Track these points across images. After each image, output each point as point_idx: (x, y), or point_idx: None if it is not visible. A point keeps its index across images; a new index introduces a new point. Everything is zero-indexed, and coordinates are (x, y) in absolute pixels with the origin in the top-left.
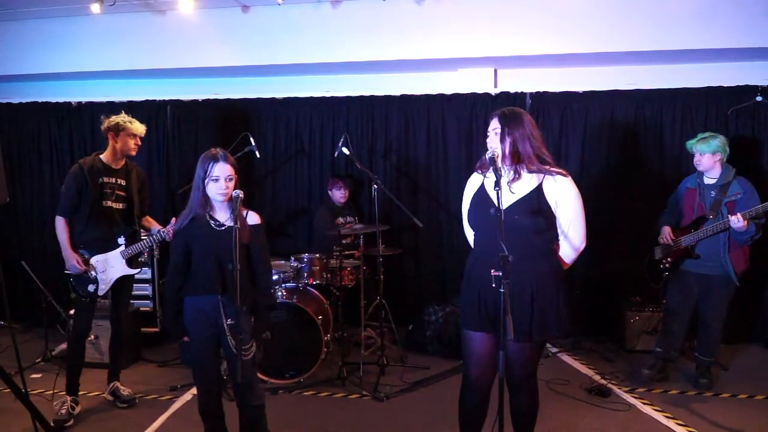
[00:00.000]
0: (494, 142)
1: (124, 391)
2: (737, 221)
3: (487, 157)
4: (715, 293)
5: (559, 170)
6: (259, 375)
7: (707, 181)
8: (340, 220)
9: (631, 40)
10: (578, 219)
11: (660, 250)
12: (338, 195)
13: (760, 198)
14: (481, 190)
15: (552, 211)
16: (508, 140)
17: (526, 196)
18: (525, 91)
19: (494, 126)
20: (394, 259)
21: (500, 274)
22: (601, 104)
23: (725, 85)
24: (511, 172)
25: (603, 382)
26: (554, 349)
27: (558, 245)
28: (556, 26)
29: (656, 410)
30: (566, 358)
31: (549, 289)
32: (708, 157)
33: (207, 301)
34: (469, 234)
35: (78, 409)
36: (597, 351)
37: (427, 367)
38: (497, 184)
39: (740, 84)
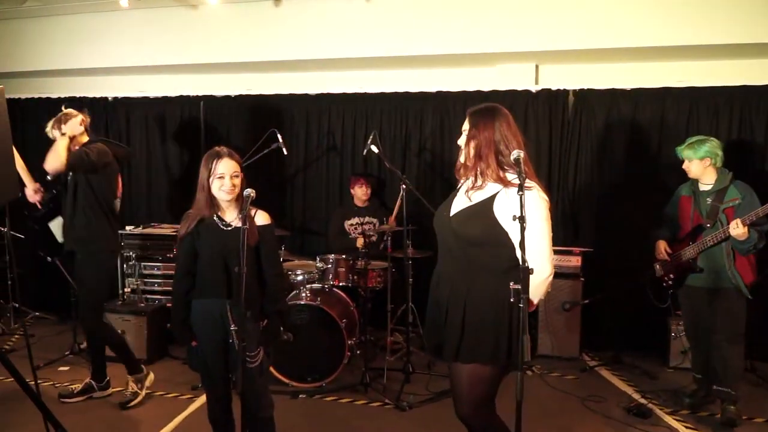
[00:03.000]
0: (462, 143)
1: (127, 390)
2: (736, 228)
3: (512, 158)
4: (724, 309)
5: (521, 182)
6: (281, 377)
7: (702, 187)
8: (357, 219)
9: (683, 34)
10: (533, 240)
11: (659, 266)
12: (360, 193)
13: (760, 202)
14: (451, 193)
15: (500, 227)
16: (472, 143)
17: (474, 204)
18: (567, 88)
19: (465, 125)
20: (423, 261)
21: (519, 287)
22: (650, 102)
23: None
24: (472, 178)
25: (643, 401)
26: (592, 363)
27: None
28: (601, 19)
29: None
30: (604, 373)
31: (485, 310)
32: (696, 164)
33: (215, 304)
34: None
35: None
36: (638, 366)
37: None
38: (521, 188)
39: None
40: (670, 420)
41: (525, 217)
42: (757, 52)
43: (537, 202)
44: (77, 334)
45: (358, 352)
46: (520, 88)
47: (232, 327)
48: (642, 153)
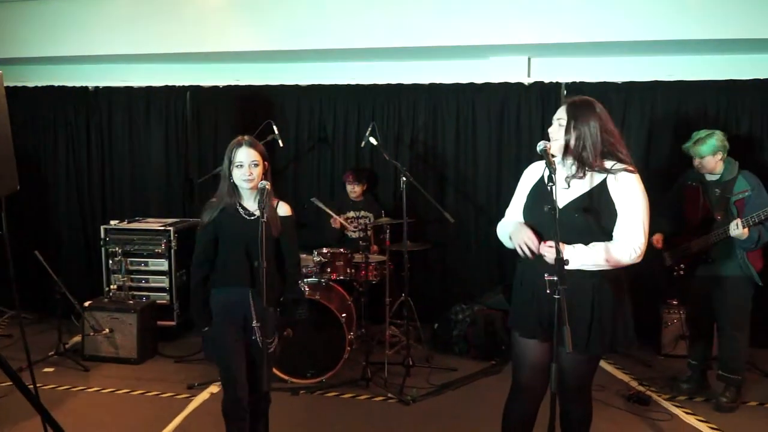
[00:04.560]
0: (557, 133)
1: None
2: (735, 228)
3: (538, 149)
4: (732, 296)
5: (626, 166)
6: (280, 374)
7: (709, 177)
8: (353, 213)
9: (674, 29)
10: (637, 221)
11: (669, 256)
12: (348, 189)
13: None
14: (541, 183)
15: (616, 212)
16: (573, 134)
17: (587, 193)
18: (560, 81)
19: (560, 116)
20: (419, 254)
21: (555, 278)
22: (641, 96)
23: None
24: (574, 167)
25: (641, 389)
26: None
27: None
28: (593, 13)
29: (700, 420)
30: (600, 362)
31: (611, 298)
32: (709, 159)
33: (236, 293)
34: (504, 229)
35: None
36: (632, 355)
37: (455, 369)
38: (550, 179)
39: None
40: (668, 406)
41: (557, 207)
42: (744, 48)
43: (638, 186)
44: (62, 333)
45: (355, 346)
46: (512, 80)
47: (255, 323)
48: (632, 145)
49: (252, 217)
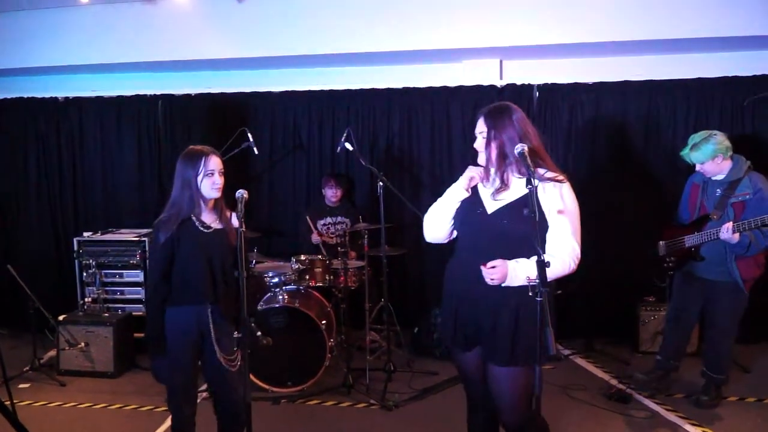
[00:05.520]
0: (480, 146)
1: None
2: (726, 232)
3: (516, 152)
4: (721, 302)
5: (555, 175)
6: (260, 383)
7: (715, 176)
8: (330, 219)
9: (643, 29)
10: (567, 232)
11: (663, 246)
12: (330, 194)
13: None
14: (474, 190)
15: (545, 221)
16: (493, 144)
17: (515, 201)
18: (532, 83)
19: (480, 129)
20: (398, 259)
21: (538, 281)
22: (612, 96)
23: (742, 75)
24: (497, 180)
25: (622, 387)
26: (566, 352)
27: None
28: (564, 15)
29: (681, 417)
30: (580, 361)
31: (535, 309)
32: (709, 165)
33: (192, 311)
34: (431, 227)
35: None
36: (611, 353)
37: (436, 373)
38: (529, 182)
39: (757, 74)
40: (649, 403)
41: (537, 211)
42: (711, 46)
43: (569, 196)
44: (37, 348)
45: (335, 353)
46: (485, 83)
47: (236, 334)
48: (606, 144)
49: (209, 230)
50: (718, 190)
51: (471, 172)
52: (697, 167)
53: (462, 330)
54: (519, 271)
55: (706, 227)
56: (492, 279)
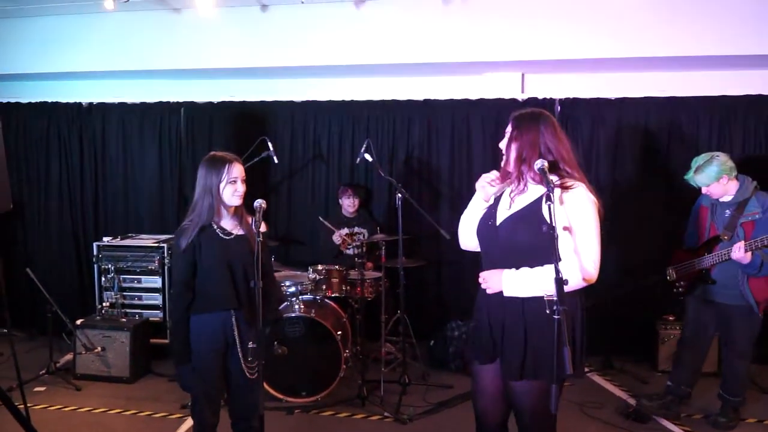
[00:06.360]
0: (504, 146)
1: None
2: (738, 251)
3: (536, 167)
4: (736, 325)
5: (572, 181)
6: (274, 392)
7: (723, 198)
8: (346, 230)
9: (667, 45)
10: (587, 239)
11: (672, 271)
12: (347, 204)
13: None
14: (492, 203)
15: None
16: (514, 145)
17: (526, 207)
18: (554, 97)
19: (508, 128)
20: (415, 271)
21: (555, 298)
22: (634, 112)
23: (766, 94)
24: (515, 182)
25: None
26: (584, 369)
27: None
28: (587, 29)
29: None
30: (597, 379)
31: (548, 325)
32: (715, 186)
33: (217, 318)
34: (461, 235)
35: None
36: (629, 371)
37: (451, 386)
38: (549, 197)
39: None
40: (668, 424)
41: (555, 227)
42: (735, 64)
43: (585, 202)
44: (53, 351)
45: (350, 364)
46: (506, 96)
47: (250, 345)
48: (628, 160)
49: (230, 237)
50: (727, 211)
51: (482, 181)
52: (703, 190)
53: (479, 341)
54: (516, 281)
55: (717, 248)
56: (487, 288)
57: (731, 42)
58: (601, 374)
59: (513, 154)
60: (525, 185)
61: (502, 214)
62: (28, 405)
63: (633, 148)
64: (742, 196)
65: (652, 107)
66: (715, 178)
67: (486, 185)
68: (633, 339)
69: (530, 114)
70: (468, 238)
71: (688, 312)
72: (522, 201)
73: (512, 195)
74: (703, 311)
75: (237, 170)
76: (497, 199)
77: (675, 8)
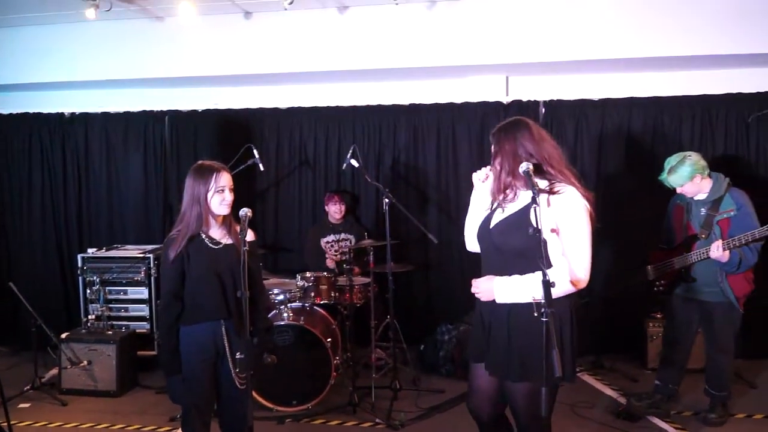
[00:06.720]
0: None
1: None
2: (716, 250)
3: (521, 170)
4: (717, 321)
5: (562, 184)
6: (264, 401)
7: (698, 196)
8: (333, 237)
9: (648, 46)
10: (577, 243)
11: (651, 270)
12: (333, 210)
13: (756, 214)
14: (491, 208)
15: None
16: (497, 161)
17: (517, 212)
18: (538, 99)
19: (492, 147)
20: (404, 276)
21: (542, 301)
22: (617, 112)
23: (746, 92)
24: (506, 193)
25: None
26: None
27: None
28: (569, 32)
29: None
30: (587, 378)
31: (533, 327)
32: (688, 186)
33: (207, 328)
34: (466, 237)
35: None
36: (619, 370)
37: (442, 390)
38: (534, 200)
39: (761, 90)
40: (658, 421)
41: (541, 229)
42: (716, 63)
43: (575, 206)
44: (38, 366)
45: (341, 371)
46: (491, 99)
47: (238, 355)
48: (612, 161)
49: (218, 246)
50: (702, 209)
51: (477, 176)
52: (678, 189)
53: (473, 340)
54: (507, 288)
55: (696, 246)
56: (479, 294)
57: (711, 42)
58: (592, 374)
59: (498, 169)
60: (515, 194)
61: (496, 219)
62: (12, 422)
63: (617, 148)
64: (716, 193)
65: (635, 107)
66: (688, 178)
67: (480, 180)
68: (622, 337)
69: (505, 126)
70: (472, 242)
71: (670, 310)
72: (513, 207)
73: (504, 202)
74: (686, 309)
75: (225, 179)
76: (495, 205)
77: (656, 10)
